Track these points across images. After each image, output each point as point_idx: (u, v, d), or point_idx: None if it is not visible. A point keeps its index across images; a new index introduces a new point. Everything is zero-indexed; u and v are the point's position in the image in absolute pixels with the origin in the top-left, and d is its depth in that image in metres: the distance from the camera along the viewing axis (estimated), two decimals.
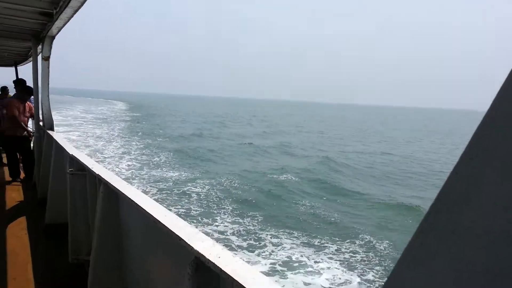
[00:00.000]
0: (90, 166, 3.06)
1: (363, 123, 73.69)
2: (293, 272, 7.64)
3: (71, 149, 3.92)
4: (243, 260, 1.28)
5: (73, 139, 23.49)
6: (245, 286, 1.13)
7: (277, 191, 13.94)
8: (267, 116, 77.63)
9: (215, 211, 11.20)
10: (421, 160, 25.10)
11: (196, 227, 1.56)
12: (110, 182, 2.44)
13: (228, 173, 16.24)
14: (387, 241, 9.35)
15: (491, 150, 0.41)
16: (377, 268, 8.01)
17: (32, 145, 7.43)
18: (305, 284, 7.07)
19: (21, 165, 7.19)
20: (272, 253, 8.51)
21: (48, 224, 4.58)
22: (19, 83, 7.13)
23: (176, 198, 11.99)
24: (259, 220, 10.81)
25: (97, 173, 2.76)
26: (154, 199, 2.13)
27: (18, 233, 4.43)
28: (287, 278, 7.31)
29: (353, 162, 22.08)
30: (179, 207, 11.20)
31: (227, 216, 10.93)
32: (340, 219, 11.22)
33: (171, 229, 1.55)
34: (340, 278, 7.38)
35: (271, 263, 7.98)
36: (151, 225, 1.76)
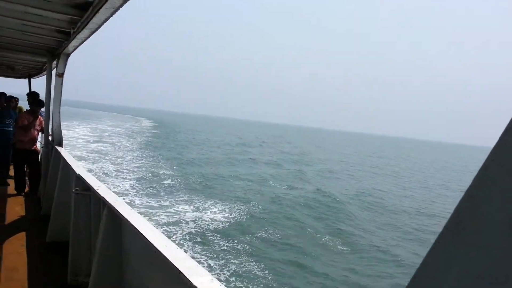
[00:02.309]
0: (95, 188, 3.04)
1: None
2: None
3: (78, 168, 3.90)
4: None
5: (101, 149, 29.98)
6: None
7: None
8: None
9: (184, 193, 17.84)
10: None
11: (196, 260, 1.64)
12: (114, 206, 2.45)
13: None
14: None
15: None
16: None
17: (40, 159, 7.41)
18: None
19: (27, 178, 7.19)
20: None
21: (49, 241, 4.53)
22: (32, 95, 7.16)
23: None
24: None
25: (102, 195, 2.76)
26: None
27: (18, 249, 4.35)
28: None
29: None
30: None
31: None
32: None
33: (172, 261, 1.58)
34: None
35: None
36: (152, 254, 1.77)
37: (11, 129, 7.32)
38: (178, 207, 14.55)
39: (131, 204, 13.55)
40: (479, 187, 0.44)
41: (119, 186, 17.38)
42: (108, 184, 16.90)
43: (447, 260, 0.44)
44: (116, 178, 19.08)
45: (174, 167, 24.54)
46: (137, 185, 18.03)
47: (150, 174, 20.93)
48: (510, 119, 0.43)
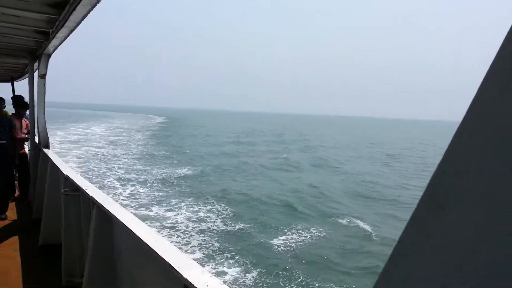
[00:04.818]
0: (84, 188, 3.08)
1: None
2: None
3: (65, 169, 3.91)
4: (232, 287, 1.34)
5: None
6: None
7: None
8: None
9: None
10: None
11: (186, 253, 1.69)
12: (103, 205, 2.48)
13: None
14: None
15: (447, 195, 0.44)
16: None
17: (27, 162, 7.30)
18: None
19: (17, 182, 7.10)
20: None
21: (42, 245, 4.54)
22: (16, 99, 7.09)
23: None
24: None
25: (91, 195, 2.79)
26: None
27: (11, 253, 4.36)
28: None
29: None
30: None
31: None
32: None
33: (162, 256, 1.61)
34: None
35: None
36: (143, 250, 1.81)
37: (5, 141, 5.90)
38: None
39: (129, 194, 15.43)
40: (450, 160, 0.45)
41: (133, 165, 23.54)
42: (116, 164, 22.95)
43: (423, 234, 0.46)
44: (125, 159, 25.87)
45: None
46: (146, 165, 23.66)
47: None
48: (476, 91, 0.44)
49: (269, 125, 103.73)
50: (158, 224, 12.07)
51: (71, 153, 25.76)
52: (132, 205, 14.02)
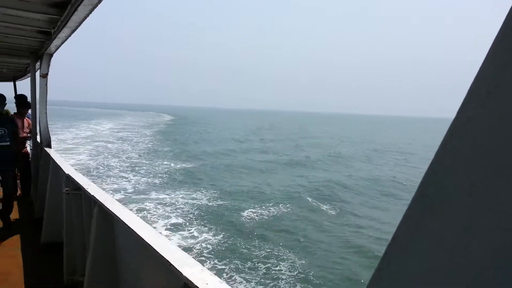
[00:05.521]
0: (85, 187, 3.10)
1: None
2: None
3: (67, 168, 3.94)
4: (231, 285, 1.44)
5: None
6: None
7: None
8: None
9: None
10: None
11: (187, 252, 1.70)
12: (104, 203, 2.51)
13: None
14: None
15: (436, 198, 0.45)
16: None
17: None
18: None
19: (18, 181, 7.09)
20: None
21: (43, 243, 4.58)
22: (19, 98, 7.10)
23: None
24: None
25: (92, 194, 2.81)
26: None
27: (12, 252, 4.38)
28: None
29: None
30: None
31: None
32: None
33: (162, 254, 1.64)
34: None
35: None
36: (144, 248, 1.83)
37: (8, 143, 5.68)
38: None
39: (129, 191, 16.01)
40: (441, 160, 0.46)
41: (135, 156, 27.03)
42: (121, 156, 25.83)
43: (416, 233, 0.46)
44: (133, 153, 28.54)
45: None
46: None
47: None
48: (466, 93, 0.45)
49: (284, 123, 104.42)
50: (155, 201, 14.51)
51: (82, 147, 28.97)
52: (132, 191, 16.23)
